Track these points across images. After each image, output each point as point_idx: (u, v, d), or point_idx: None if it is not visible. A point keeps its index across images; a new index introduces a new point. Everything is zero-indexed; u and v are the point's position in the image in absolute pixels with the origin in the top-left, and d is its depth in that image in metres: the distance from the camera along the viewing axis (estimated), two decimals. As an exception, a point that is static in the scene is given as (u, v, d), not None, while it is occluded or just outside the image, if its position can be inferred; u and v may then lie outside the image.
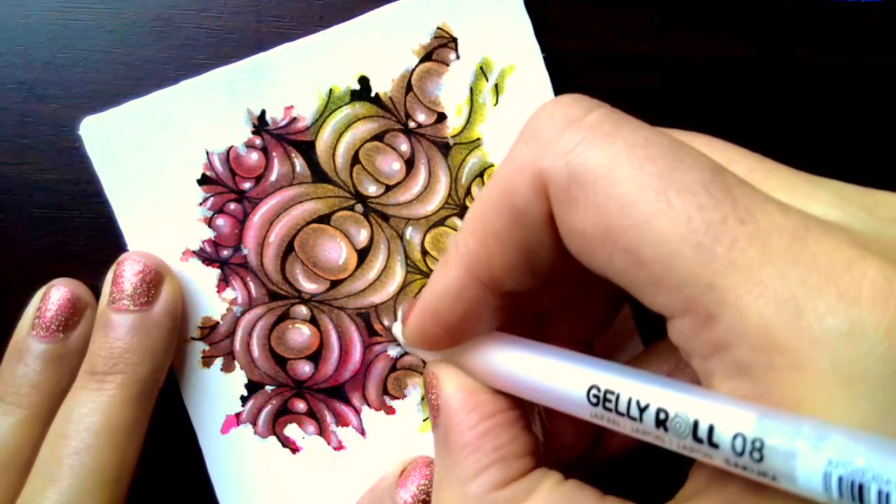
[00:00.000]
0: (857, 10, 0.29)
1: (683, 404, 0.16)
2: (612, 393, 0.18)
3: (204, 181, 0.28)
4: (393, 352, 0.29)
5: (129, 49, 0.29)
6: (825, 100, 0.30)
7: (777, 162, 0.19)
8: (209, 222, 0.28)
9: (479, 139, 0.29)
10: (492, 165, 0.29)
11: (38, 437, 0.26)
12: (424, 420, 0.29)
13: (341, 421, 0.29)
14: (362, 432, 0.29)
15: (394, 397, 0.29)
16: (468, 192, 0.29)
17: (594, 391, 0.18)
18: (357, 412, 0.29)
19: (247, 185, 0.29)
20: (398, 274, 0.29)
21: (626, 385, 0.17)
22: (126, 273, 0.27)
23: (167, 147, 0.28)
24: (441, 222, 0.29)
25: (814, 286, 0.15)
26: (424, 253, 0.29)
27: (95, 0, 0.29)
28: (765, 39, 0.29)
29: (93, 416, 0.25)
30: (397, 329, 0.26)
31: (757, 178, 0.17)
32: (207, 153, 0.28)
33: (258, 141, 0.28)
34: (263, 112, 0.28)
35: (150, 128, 0.28)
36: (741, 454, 0.15)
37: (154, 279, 0.27)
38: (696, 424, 0.16)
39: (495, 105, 0.29)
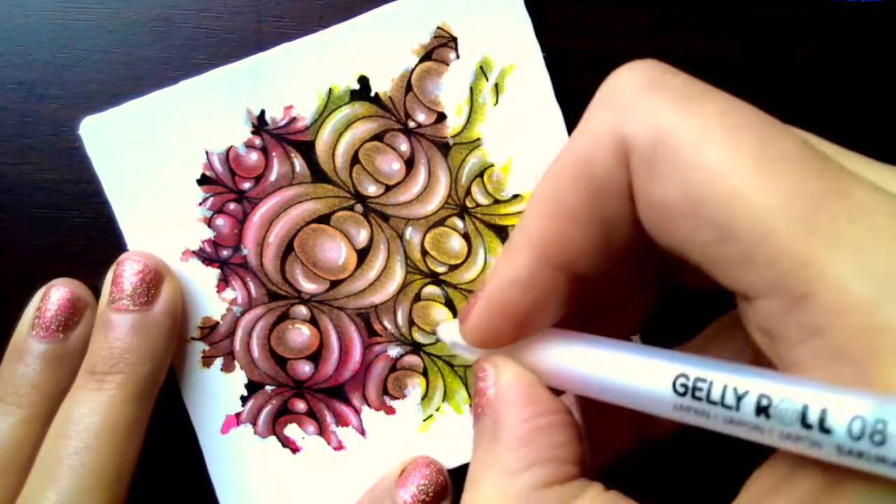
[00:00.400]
0: (857, 10, 0.29)
1: (788, 390, 0.15)
2: (704, 381, 0.16)
3: (204, 181, 0.28)
4: (393, 352, 0.29)
5: (129, 49, 0.29)
6: (825, 100, 0.30)
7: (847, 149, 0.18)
8: (209, 222, 0.28)
9: (479, 139, 0.29)
10: (492, 165, 0.29)
11: (38, 437, 0.26)
12: (424, 420, 0.29)
13: (341, 421, 0.29)
14: (362, 432, 0.29)
15: (394, 397, 0.29)
16: (468, 192, 0.29)
17: (682, 380, 0.17)
18: (357, 412, 0.29)
19: (246, 185, 0.29)
20: (398, 274, 0.29)
21: (718, 372, 0.16)
22: (126, 273, 0.27)
23: (167, 147, 0.28)
24: (441, 222, 0.29)
25: None
26: (424, 253, 0.29)
27: (95, 0, 0.29)
28: (765, 39, 0.29)
29: (93, 415, 0.25)
30: (447, 330, 0.24)
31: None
32: (207, 153, 0.28)
33: (258, 141, 0.28)
34: (263, 112, 0.28)
35: (149, 128, 0.28)
36: (859, 438, 0.14)
37: (154, 279, 0.27)
38: (805, 409, 0.14)
39: (495, 105, 0.29)
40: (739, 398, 0.16)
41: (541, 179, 0.19)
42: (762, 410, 0.15)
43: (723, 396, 0.16)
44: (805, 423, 0.14)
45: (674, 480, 0.27)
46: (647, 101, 0.17)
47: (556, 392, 0.20)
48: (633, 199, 0.17)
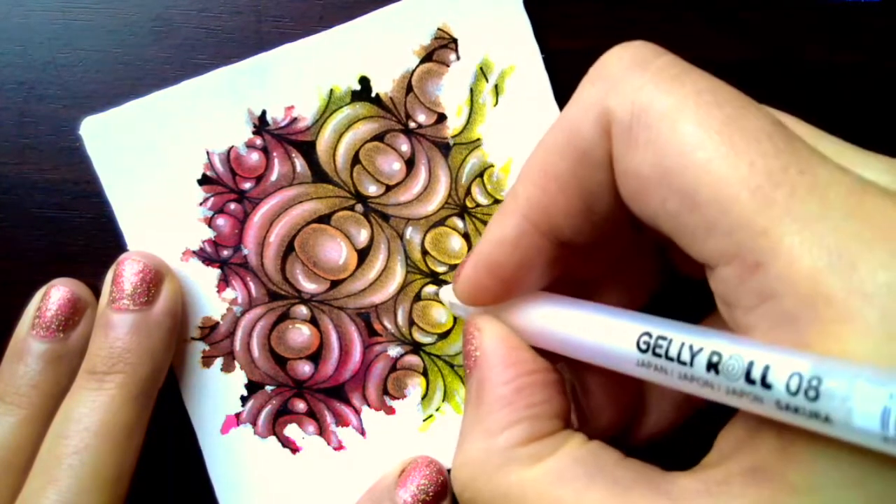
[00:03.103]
0: (857, 10, 0.29)
1: (737, 348, 0.16)
2: (665, 339, 0.18)
3: (204, 181, 0.28)
4: (393, 352, 0.29)
5: (129, 49, 0.29)
6: (825, 100, 0.30)
7: (825, 132, 0.19)
8: (209, 222, 0.28)
9: (479, 139, 0.29)
10: (492, 166, 0.29)
11: (38, 437, 0.26)
12: (424, 420, 0.29)
13: (341, 421, 0.29)
14: (362, 432, 0.29)
15: (394, 397, 0.29)
16: (468, 193, 0.29)
17: (645, 338, 0.18)
18: (357, 412, 0.29)
19: (247, 185, 0.29)
20: (398, 274, 0.29)
21: (678, 332, 0.18)
22: (126, 273, 0.27)
23: (167, 147, 0.28)
24: (441, 222, 0.29)
25: (867, 241, 0.15)
26: (424, 253, 0.29)
27: (95, 0, 0.29)
28: (765, 39, 0.29)
29: (92, 415, 0.25)
30: (446, 291, 0.25)
31: (810, 142, 0.17)
32: (208, 153, 0.28)
33: (259, 141, 0.28)
34: (264, 112, 0.28)
35: (150, 128, 0.28)
36: (795, 393, 0.15)
37: (154, 279, 0.27)
38: (750, 366, 0.16)
39: (495, 105, 0.29)
40: (694, 355, 0.17)
41: (534, 149, 0.20)
42: (712, 366, 0.16)
43: (679, 353, 0.17)
44: (749, 379, 0.16)
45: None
46: (630, 78, 0.18)
47: (554, 357, 0.21)
48: (613, 169, 0.18)
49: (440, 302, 0.29)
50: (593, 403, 0.24)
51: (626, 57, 0.18)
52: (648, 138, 0.17)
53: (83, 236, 0.29)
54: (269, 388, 0.29)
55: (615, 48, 0.19)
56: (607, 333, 0.19)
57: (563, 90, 0.29)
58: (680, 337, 0.17)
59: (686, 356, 0.17)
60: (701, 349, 0.17)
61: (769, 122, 0.16)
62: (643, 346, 0.18)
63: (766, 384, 0.15)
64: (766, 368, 0.15)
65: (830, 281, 0.14)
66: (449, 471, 0.28)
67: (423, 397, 0.29)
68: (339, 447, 0.29)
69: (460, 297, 0.22)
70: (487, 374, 0.21)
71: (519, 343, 0.21)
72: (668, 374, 0.18)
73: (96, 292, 0.28)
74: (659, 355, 0.18)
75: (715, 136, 0.16)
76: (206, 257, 0.29)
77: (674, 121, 0.17)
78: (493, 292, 0.21)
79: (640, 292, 0.25)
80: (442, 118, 0.29)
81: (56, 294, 0.27)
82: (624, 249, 0.23)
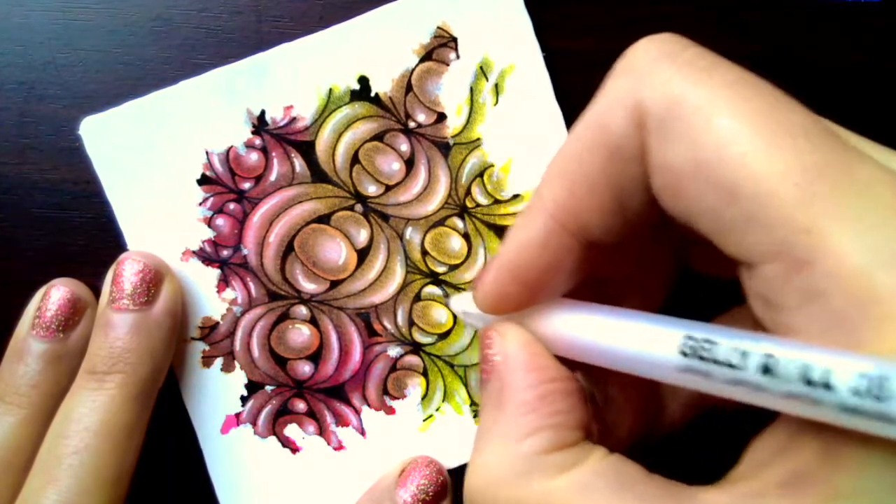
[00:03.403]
0: (857, 10, 0.29)
1: (793, 351, 0.15)
2: (711, 342, 0.17)
3: (204, 181, 0.28)
4: (393, 352, 0.29)
5: (129, 49, 0.29)
6: (825, 100, 0.29)
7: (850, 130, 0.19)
8: (209, 222, 0.28)
9: (479, 139, 0.29)
10: (492, 165, 0.29)
11: (38, 437, 0.26)
12: (424, 420, 0.29)
13: (341, 421, 0.29)
14: (362, 432, 0.29)
15: (394, 397, 0.29)
16: (468, 192, 0.29)
17: (690, 342, 0.17)
18: (357, 412, 0.29)
19: (246, 185, 0.29)
20: (398, 274, 0.29)
21: (723, 336, 0.17)
22: (126, 273, 0.27)
23: (167, 147, 0.28)
24: (441, 222, 0.29)
25: None
26: (424, 253, 0.29)
27: (95, 0, 0.29)
28: (765, 39, 0.29)
29: (92, 415, 0.25)
30: (458, 301, 0.24)
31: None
32: (207, 153, 0.28)
33: (258, 141, 0.28)
34: (263, 112, 0.28)
35: (150, 128, 0.28)
36: (860, 395, 0.14)
37: (154, 279, 0.27)
38: (808, 368, 0.15)
39: (495, 105, 0.29)
40: (745, 358, 0.16)
41: (561, 147, 0.19)
42: (766, 369, 0.16)
43: (729, 357, 0.16)
44: (808, 381, 0.15)
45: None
46: (660, 70, 0.17)
47: (571, 366, 0.20)
48: (646, 165, 0.18)
49: (445, 305, 0.29)
50: (614, 413, 0.24)
51: (654, 49, 0.18)
52: (682, 131, 0.17)
53: (83, 236, 0.29)
54: (269, 388, 0.29)
55: (641, 41, 0.18)
56: (645, 339, 0.18)
57: (564, 90, 0.29)
58: (728, 341, 0.17)
59: (736, 360, 0.16)
60: (752, 352, 0.16)
61: (806, 117, 0.16)
62: (688, 350, 0.17)
63: (827, 386, 0.15)
64: (828, 370, 0.15)
65: (880, 279, 0.14)
66: (449, 471, 0.28)
67: (423, 397, 0.29)
68: (339, 447, 0.29)
69: (481, 305, 0.21)
70: (509, 378, 0.20)
71: (541, 349, 0.20)
72: (712, 380, 0.17)
73: (96, 292, 0.28)
74: (705, 359, 0.17)
75: (752, 128, 0.16)
76: (205, 257, 0.29)
77: (708, 113, 0.16)
78: (516, 299, 0.20)
79: (658, 291, 0.24)
80: (442, 118, 0.29)
81: (56, 294, 0.27)
82: (645, 248, 0.22)
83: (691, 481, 0.18)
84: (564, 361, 0.20)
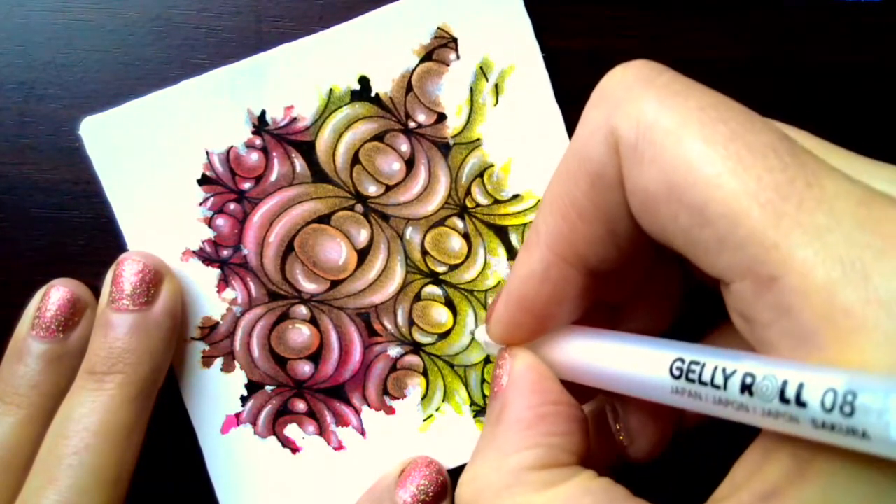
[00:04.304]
0: (857, 10, 0.29)
1: (770, 369, 0.16)
2: (697, 363, 0.17)
3: (204, 181, 0.28)
4: (393, 352, 0.29)
5: (129, 49, 0.29)
6: (825, 100, 0.30)
7: (834, 144, 0.19)
8: (209, 222, 0.28)
9: (479, 139, 0.29)
10: (492, 165, 0.29)
11: (38, 437, 0.26)
12: (424, 420, 0.29)
13: (341, 421, 0.29)
14: (362, 432, 0.29)
15: (394, 397, 0.29)
16: (468, 192, 0.29)
17: (678, 364, 0.18)
18: (357, 412, 0.29)
19: (247, 185, 0.29)
20: (398, 274, 0.29)
21: (709, 356, 0.17)
22: (126, 273, 0.27)
23: (167, 147, 0.28)
24: (441, 222, 0.29)
25: (879, 250, 0.15)
26: (424, 253, 0.29)
27: (95, 0, 0.29)
28: (765, 39, 0.29)
29: (92, 415, 0.25)
30: (481, 332, 0.25)
31: (818, 154, 0.17)
32: (207, 153, 0.28)
33: (258, 141, 0.28)
34: (263, 112, 0.28)
35: (150, 128, 0.28)
36: (831, 410, 0.14)
37: (154, 279, 0.27)
38: (784, 385, 0.15)
39: (495, 105, 0.29)
40: (727, 378, 0.16)
41: (550, 181, 0.20)
42: (746, 388, 0.16)
43: (713, 377, 0.17)
44: (784, 399, 0.15)
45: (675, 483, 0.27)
46: (634, 96, 0.18)
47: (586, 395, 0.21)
48: (623, 190, 0.18)
49: (445, 305, 0.29)
50: (635, 432, 0.24)
51: (629, 76, 0.18)
52: (654, 155, 0.17)
53: (83, 236, 0.29)
54: (269, 388, 0.29)
55: (616, 68, 0.19)
56: (639, 363, 0.19)
57: (563, 90, 0.29)
58: (713, 360, 0.17)
59: (720, 379, 0.17)
60: (734, 371, 0.16)
61: (774, 136, 0.16)
62: (676, 373, 0.18)
63: (800, 403, 0.15)
64: (800, 386, 0.15)
65: (845, 292, 0.14)
66: (449, 471, 0.28)
67: (423, 397, 0.29)
68: (339, 447, 0.29)
69: (493, 336, 0.22)
70: (511, 397, 0.20)
71: (549, 374, 0.21)
72: (702, 400, 0.17)
73: (96, 292, 0.28)
74: (692, 380, 0.17)
75: (721, 150, 0.16)
76: (205, 257, 0.29)
77: (679, 137, 0.17)
78: (526, 329, 0.21)
79: (670, 309, 0.25)
80: (442, 118, 0.29)
81: (56, 294, 0.27)
82: (648, 269, 0.23)
83: (685, 498, 0.18)
84: (584, 387, 0.21)
